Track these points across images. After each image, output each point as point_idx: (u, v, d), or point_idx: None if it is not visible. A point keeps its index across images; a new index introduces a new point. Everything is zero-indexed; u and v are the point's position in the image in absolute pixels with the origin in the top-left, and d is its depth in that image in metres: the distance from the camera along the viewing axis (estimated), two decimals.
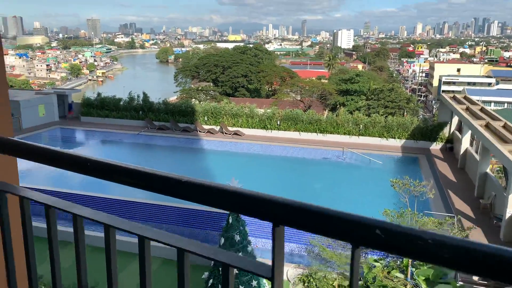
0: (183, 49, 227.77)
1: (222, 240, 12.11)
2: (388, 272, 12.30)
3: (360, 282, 12.14)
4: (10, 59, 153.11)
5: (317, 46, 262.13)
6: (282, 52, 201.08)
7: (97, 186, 22.45)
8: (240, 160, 28.52)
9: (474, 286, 13.75)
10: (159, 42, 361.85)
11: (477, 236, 15.33)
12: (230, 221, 12.11)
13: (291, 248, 16.54)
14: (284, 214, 0.92)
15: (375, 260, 13.03)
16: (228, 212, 12.82)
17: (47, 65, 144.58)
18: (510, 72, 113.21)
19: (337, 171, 26.34)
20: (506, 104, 75.31)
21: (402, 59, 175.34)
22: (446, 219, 12.87)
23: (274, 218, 0.94)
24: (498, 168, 28.89)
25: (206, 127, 32.08)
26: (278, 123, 31.14)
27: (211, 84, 70.69)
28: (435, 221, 12.71)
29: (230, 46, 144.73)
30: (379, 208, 14.22)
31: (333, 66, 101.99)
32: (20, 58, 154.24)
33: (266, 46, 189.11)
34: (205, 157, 29.36)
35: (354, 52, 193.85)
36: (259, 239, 16.78)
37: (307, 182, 24.07)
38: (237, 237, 11.71)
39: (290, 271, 14.98)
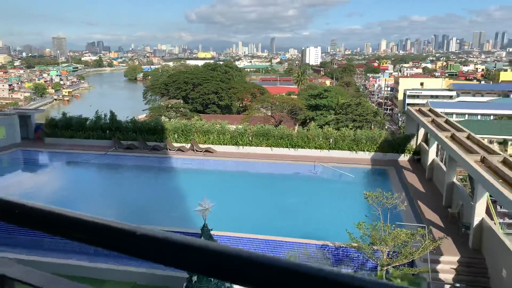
0: (152, 66, 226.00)
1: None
2: None
3: None
4: None
5: (286, 63, 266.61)
6: (252, 69, 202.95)
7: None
8: (212, 178, 28.12)
9: None
10: (127, 60, 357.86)
11: (447, 245, 15.56)
12: None
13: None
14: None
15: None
16: (200, 232, 12.43)
17: (10, 85, 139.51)
18: (469, 85, 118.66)
19: (309, 185, 26.36)
20: (466, 116, 78.47)
21: (368, 74, 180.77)
22: (418, 230, 12.99)
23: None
24: (462, 177, 29.82)
25: (177, 145, 31.55)
26: (250, 139, 31.04)
27: (181, 101, 70.16)
28: (408, 233, 12.79)
29: (200, 63, 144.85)
30: (353, 221, 14.22)
31: (302, 82, 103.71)
32: None
33: (236, 63, 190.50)
34: (176, 175, 28.77)
35: (322, 69, 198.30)
36: None
37: (280, 197, 23.91)
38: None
39: None
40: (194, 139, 31.46)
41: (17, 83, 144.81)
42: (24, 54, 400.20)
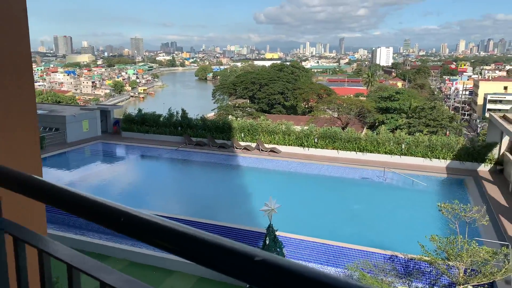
0: (221, 67, 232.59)
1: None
2: None
3: None
4: (59, 76, 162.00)
5: (355, 64, 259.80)
6: (319, 70, 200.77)
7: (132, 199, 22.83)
8: (277, 178, 28.12)
9: None
10: (198, 60, 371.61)
11: None
12: (267, 242, 11.74)
13: (328, 272, 15.84)
14: None
15: None
16: (265, 232, 12.43)
17: (93, 82, 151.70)
18: None
19: (377, 191, 25.32)
20: None
21: (444, 76, 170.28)
22: (503, 249, 11.85)
23: None
24: None
25: (243, 143, 32.02)
26: (316, 140, 30.58)
27: (248, 101, 71.24)
28: (489, 250, 11.73)
29: (267, 64, 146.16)
30: (424, 233, 13.36)
31: (372, 84, 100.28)
32: (68, 75, 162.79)
33: (303, 63, 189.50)
34: (242, 174, 29.19)
35: (393, 70, 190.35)
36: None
37: (346, 202, 23.24)
38: None
39: None
40: (259, 139, 31.71)
41: (99, 81, 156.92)
42: (105, 54, 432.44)
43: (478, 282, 11.49)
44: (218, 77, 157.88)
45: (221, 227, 18.31)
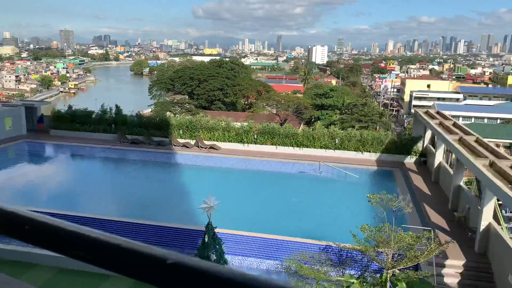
0: (158, 61, 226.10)
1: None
2: None
3: None
4: None
5: (292, 61, 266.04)
6: (258, 66, 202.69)
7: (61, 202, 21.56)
8: (217, 175, 28.05)
9: None
10: (133, 54, 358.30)
11: (452, 249, 15.39)
12: (207, 239, 11.67)
13: (268, 265, 16.13)
14: None
15: (353, 277, 12.81)
16: (204, 230, 12.36)
17: (16, 76, 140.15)
18: (476, 88, 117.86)
19: (314, 185, 26.23)
20: (473, 119, 77.99)
21: (374, 74, 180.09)
22: (425, 233, 12.83)
23: None
24: (467, 180, 29.55)
25: (181, 141, 31.50)
26: (255, 136, 30.92)
27: (187, 97, 70.11)
28: (414, 236, 12.64)
29: (206, 59, 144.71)
30: (356, 223, 14.07)
31: (308, 81, 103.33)
32: None
33: (242, 60, 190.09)
34: (181, 172, 28.72)
35: (328, 68, 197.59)
36: (235, 257, 16.31)
37: (284, 196, 23.80)
38: (213, 257, 11.28)
39: None
40: (199, 136, 31.39)
41: (24, 75, 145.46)
42: (31, 46, 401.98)
43: (404, 266, 12.33)
44: (155, 72, 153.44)
45: (159, 227, 17.90)
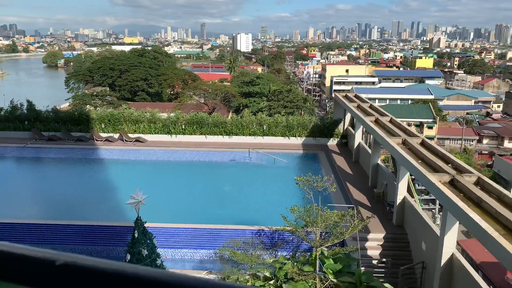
0: (74, 52, 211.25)
1: (128, 257, 11.30)
2: (299, 268, 12.63)
3: (272, 281, 12.28)
4: None
5: (218, 49, 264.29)
6: (182, 55, 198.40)
7: None
8: (144, 168, 27.19)
9: (374, 270, 14.87)
10: (46, 45, 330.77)
11: (374, 223, 16.62)
12: (136, 235, 11.33)
13: (202, 255, 16.14)
14: None
15: (286, 258, 13.31)
16: (133, 225, 11.99)
17: None
18: (389, 71, 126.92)
19: (245, 172, 26.58)
20: (387, 101, 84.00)
21: (297, 61, 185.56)
22: (349, 211, 13.67)
23: None
24: (384, 158, 31.96)
25: (104, 135, 29.97)
26: (183, 127, 30.41)
27: (108, 89, 66.63)
28: (339, 214, 13.41)
29: (127, 48, 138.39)
30: (287, 205, 14.58)
31: (235, 69, 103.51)
32: None
33: (166, 48, 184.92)
34: (105, 167, 27.37)
35: (253, 55, 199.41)
36: (168, 250, 16.08)
37: (216, 185, 23.85)
38: (145, 252, 11.00)
39: None
40: (123, 129, 30.10)
41: None
42: None
43: (331, 243, 13.06)
44: (71, 63, 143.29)
45: (86, 227, 17.01)
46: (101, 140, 29.50)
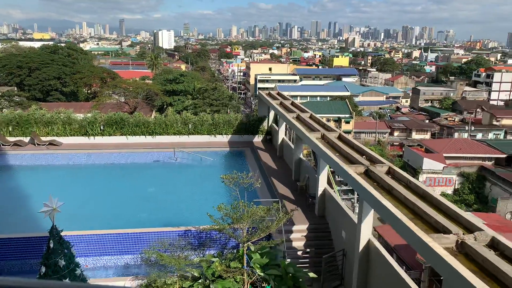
0: None
1: (43, 269, 10.48)
2: (227, 265, 12.69)
3: (200, 281, 12.20)
4: None
5: (138, 46, 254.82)
6: (100, 52, 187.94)
7: None
8: (60, 174, 25.33)
9: (299, 260, 15.47)
10: None
11: (297, 215, 17.27)
12: (52, 245, 10.53)
13: (127, 260, 15.51)
14: None
15: (213, 256, 13.29)
16: (48, 235, 11.16)
17: None
18: (309, 70, 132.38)
19: (170, 172, 26.00)
20: (308, 98, 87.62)
21: (221, 59, 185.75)
22: (274, 204, 14.02)
23: None
24: (307, 153, 33.33)
25: (12, 139, 27.39)
26: (102, 128, 28.87)
27: (15, 89, 60.96)
28: (264, 208, 13.70)
29: (37, 45, 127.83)
30: (216, 203, 14.56)
31: (157, 67, 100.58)
32: None
33: (81, 45, 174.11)
34: (14, 175, 25.03)
35: (176, 53, 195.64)
36: (89, 258, 15.20)
37: (140, 188, 23.01)
38: (62, 262, 10.27)
39: (127, 284, 14.04)
40: (34, 132, 27.76)
41: None
42: None
43: (258, 238, 13.31)
44: None
45: None
46: (8, 145, 26.92)
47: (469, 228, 9.86)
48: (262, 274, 12.17)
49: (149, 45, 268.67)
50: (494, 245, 9.22)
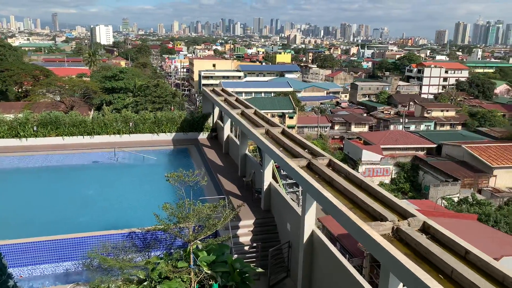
0: None
1: None
2: (174, 265, 12.49)
3: (146, 283, 11.90)
4: None
5: (74, 42, 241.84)
6: (31, 48, 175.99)
7: None
8: None
9: (246, 255, 15.62)
10: None
11: (244, 211, 17.37)
12: None
13: (66, 267, 14.73)
14: None
15: (159, 257, 13.02)
16: None
17: None
18: (253, 66, 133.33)
19: (111, 173, 25.01)
20: (253, 94, 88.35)
21: (163, 55, 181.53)
22: (220, 202, 13.98)
23: None
24: (253, 148, 33.65)
25: None
26: (35, 129, 27.08)
27: None
28: (210, 206, 13.61)
29: None
30: (161, 203, 14.23)
31: (95, 63, 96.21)
32: None
33: (9, 41, 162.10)
34: None
35: (115, 49, 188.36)
36: (23, 268, 14.24)
37: (79, 190, 21.93)
38: None
39: None
40: None
41: None
42: None
43: (204, 236, 13.21)
44: None
45: None
46: None
47: (404, 214, 10.50)
48: (209, 271, 12.12)
49: (86, 41, 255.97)
50: (425, 229, 9.89)
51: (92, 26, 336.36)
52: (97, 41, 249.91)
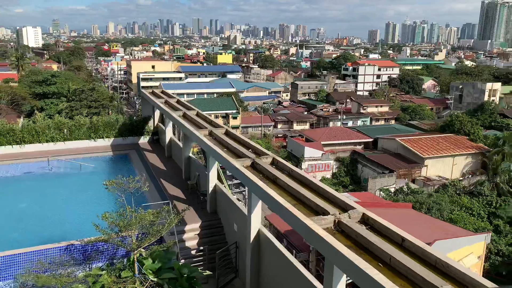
0: None
1: None
2: (118, 276, 11.98)
3: None
4: None
5: None
6: None
7: None
8: None
9: (194, 259, 15.38)
10: None
11: (189, 214, 17.09)
12: None
13: None
14: None
15: (101, 269, 12.43)
16: None
17: None
18: (194, 67, 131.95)
19: (45, 183, 23.45)
20: (195, 95, 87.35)
21: (99, 58, 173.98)
22: (164, 207, 13.63)
23: None
24: (198, 151, 33.24)
25: None
26: None
27: None
28: (154, 212, 13.22)
29: None
30: (100, 212, 13.56)
31: (23, 67, 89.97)
32: None
33: None
34: None
35: (45, 52, 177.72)
36: None
37: (9, 203, 20.32)
38: None
39: None
40: None
41: None
42: None
43: (148, 243, 12.81)
44: None
45: None
46: None
47: (344, 207, 10.90)
48: (155, 279, 11.77)
49: (12, 44, 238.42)
50: (365, 220, 10.34)
51: (18, 27, 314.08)
52: (24, 44, 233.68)
